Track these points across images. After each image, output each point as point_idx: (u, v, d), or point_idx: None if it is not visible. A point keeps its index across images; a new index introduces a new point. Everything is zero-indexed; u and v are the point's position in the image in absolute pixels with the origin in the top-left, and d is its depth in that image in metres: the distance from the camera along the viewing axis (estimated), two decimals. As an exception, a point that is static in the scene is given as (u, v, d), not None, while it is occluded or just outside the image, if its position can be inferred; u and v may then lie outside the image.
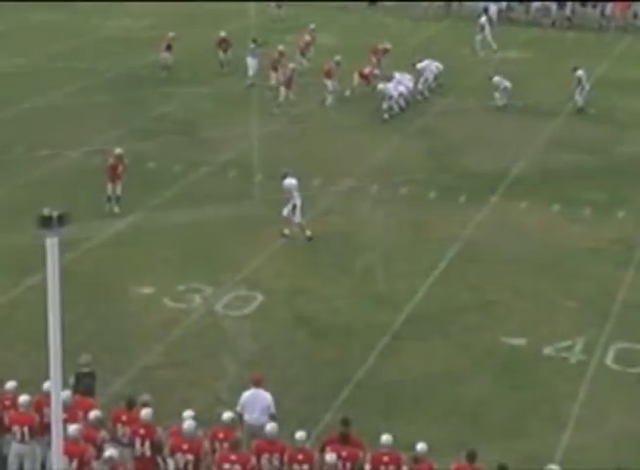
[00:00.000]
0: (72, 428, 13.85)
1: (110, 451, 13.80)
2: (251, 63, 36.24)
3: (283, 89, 33.43)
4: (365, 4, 49.17)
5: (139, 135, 31.18)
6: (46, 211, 10.67)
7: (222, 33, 38.12)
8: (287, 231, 24.13)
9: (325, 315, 20.85)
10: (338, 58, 34.77)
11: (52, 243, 10.78)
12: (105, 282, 21.92)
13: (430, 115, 33.95)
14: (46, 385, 14.57)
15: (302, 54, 37.94)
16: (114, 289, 21.64)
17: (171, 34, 37.86)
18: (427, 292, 21.89)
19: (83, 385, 15.77)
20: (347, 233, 24.79)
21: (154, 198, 26.25)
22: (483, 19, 42.82)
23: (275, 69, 35.10)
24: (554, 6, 47.75)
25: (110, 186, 25.17)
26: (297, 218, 23.90)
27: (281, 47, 36.03)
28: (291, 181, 24.04)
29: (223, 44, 37.95)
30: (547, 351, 19.69)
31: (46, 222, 10.65)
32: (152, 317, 20.57)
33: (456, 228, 25.12)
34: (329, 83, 34.18)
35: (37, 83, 36.00)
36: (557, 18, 47.59)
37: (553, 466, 14.14)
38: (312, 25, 40.15)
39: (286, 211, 23.90)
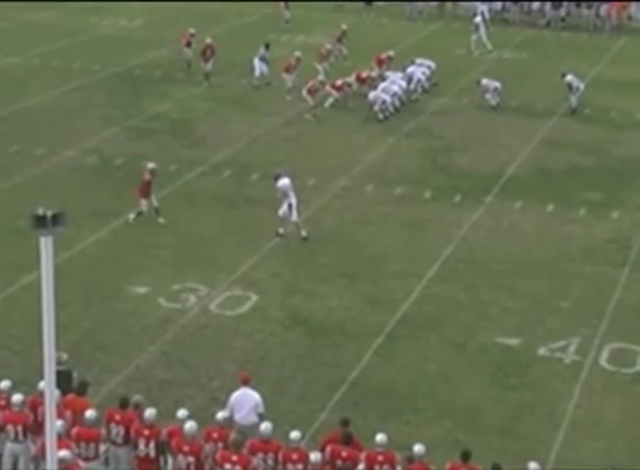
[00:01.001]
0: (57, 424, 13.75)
1: (62, 453, 13.71)
2: (260, 66, 35.95)
3: (306, 95, 33.11)
4: (361, 4, 49.14)
5: (134, 134, 31.16)
6: (41, 211, 10.67)
7: (208, 40, 36.63)
8: (281, 230, 24.13)
9: (320, 315, 20.84)
10: (350, 79, 34.39)
11: (46, 242, 10.77)
12: (99, 281, 21.89)
13: (425, 114, 33.96)
14: (41, 384, 14.54)
15: (325, 58, 36.95)
16: (108, 288, 21.62)
17: (191, 31, 37.91)
18: (422, 292, 21.89)
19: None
20: (342, 233, 24.78)
21: (149, 197, 26.20)
22: (478, 18, 42.86)
23: (288, 71, 34.79)
24: (548, 7, 47.76)
25: (144, 202, 24.40)
26: (294, 217, 23.91)
27: (298, 53, 35.73)
28: (284, 182, 24.01)
29: (208, 52, 36.34)
30: (542, 351, 19.69)
31: (41, 222, 10.64)
32: (146, 317, 20.55)
33: (451, 228, 25.12)
34: (334, 92, 33.92)
35: (32, 83, 35.96)
36: (552, 18, 47.61)
37: (532, 464, 14.17)
38: (344, 26, 39.89)
39: (281, 212, 23.89)
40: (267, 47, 36.59)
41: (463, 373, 18.91)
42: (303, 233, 24.04)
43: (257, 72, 36.00)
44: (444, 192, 27.34)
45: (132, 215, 24.57)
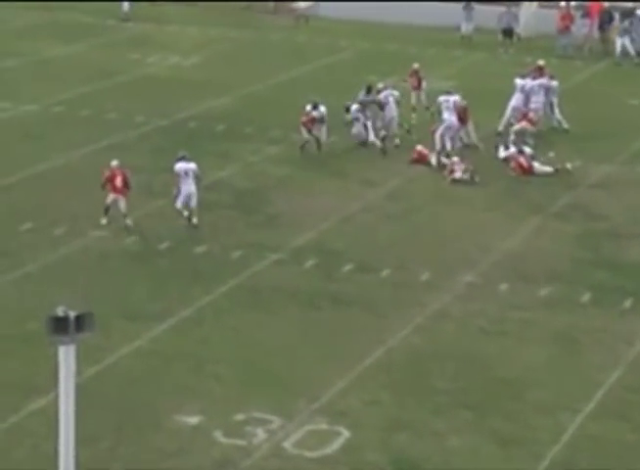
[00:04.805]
0: None
1: None
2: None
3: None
4: (498, 37, 49.52)
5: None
6: (60, 311, 10.80)
7: (316, 112, 35.90)
8: (186, 214, 29.66)
9: (435, 460, 20.70)
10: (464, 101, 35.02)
11: (67, 352, 10.88)
12: (135, 407, 22.02)
13: (582, 187, 33.92)
14: None
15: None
16: (147, 417, 21.73)
17: (415, 66, 39.32)
18: (576, 432, 21.65)
19: None
20: (466, 347, 24.69)
21: (204, 293, 26.43)
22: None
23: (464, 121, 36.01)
24: None
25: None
26: (179, 204, 29.61)
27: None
28: (183, 165, 29.79)
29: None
30: None
31: (60, 325, 10.78)
32: (198, 457, 20.58)
33: (618, 344, 24.91)
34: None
35: (52, 138, 36.69)
36: None
37: None
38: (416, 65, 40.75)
39: (179, 204, 29.62)
40: (369, 90, 36.87)
41: None
42: (185, 216, 29.57)
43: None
44: (609, 294, 27.16)
45: (104, 220, 29.63)
